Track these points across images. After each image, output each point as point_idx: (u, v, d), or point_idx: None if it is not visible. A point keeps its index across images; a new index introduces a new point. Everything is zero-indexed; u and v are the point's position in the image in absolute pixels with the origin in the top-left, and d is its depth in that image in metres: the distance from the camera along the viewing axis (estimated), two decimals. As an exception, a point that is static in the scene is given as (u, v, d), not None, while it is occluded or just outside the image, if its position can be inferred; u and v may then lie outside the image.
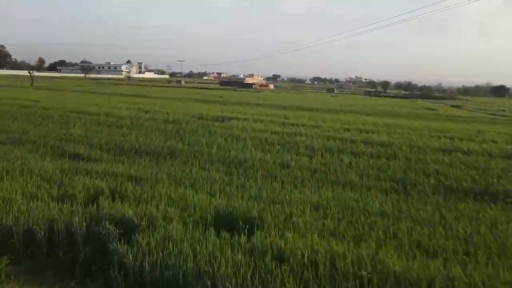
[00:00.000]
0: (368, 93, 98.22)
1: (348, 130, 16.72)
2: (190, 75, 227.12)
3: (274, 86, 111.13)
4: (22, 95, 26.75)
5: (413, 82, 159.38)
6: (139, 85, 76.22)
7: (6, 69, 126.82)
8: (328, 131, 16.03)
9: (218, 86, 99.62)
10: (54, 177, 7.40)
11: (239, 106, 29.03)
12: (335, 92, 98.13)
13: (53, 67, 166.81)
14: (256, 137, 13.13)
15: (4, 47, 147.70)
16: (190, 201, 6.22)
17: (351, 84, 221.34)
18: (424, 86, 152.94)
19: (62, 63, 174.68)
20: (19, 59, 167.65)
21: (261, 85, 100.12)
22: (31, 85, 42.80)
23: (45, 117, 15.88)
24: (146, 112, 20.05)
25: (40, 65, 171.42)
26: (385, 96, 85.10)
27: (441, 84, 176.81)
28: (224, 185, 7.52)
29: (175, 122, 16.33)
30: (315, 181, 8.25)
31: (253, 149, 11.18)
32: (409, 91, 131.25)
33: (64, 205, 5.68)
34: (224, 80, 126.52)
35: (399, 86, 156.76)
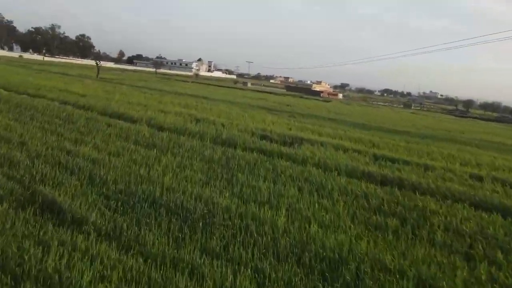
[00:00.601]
0: (451, 112, 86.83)
1: (482, 179, 10.92)
2: (257, 77, 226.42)
3: (343, 96, 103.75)
4: (74, 87, 24.63)
5: (504, 104, 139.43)
6: (204, 83, 74.71)
7: (90, 59, 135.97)
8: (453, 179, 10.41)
9: (284, 91, 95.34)
10: None
11: (309, 119, 24.09)
12: (412, 108, 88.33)
13: (130, 60, 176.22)
14: (348, 189, 8.12)
15: (89, 38, 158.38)
16: None
17: (425, 99, 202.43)
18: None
19: (139, 57, 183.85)
20: (102, 51, 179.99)
21: (329, 94, 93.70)
22: (97, 76, 41.98)
23: (67, 121, 12.45)
24: (197, 121, 16.06)
25: (120, 58, 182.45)
26: (473, 118, 73.76)
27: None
28: None
29: (228, 143, 11.95)
30: None
31: (350, 223, 6.24)
32: (497, 112, 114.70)
33: None
34: (291, 85, 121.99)
35: (484, 106, 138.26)
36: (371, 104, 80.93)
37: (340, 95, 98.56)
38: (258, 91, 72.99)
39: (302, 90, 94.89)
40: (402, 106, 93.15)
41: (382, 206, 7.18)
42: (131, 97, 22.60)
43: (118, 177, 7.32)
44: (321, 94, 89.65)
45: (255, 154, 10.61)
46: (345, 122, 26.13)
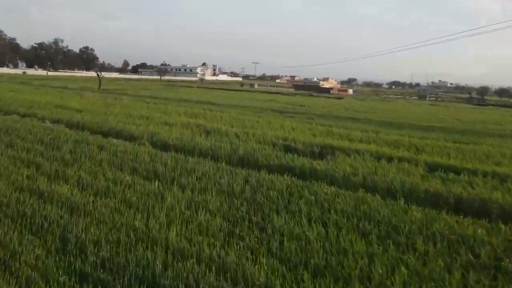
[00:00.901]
0: (468, 101, 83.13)
1: None
2: (263, 77, 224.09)
3: (353, 91, 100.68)
4: (71, 101, 22.58)
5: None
6: (209, 88, 72.65)
7: (94, 71, 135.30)
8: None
9: (292, 90, 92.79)
10: None
11: (329, 121, 21.64)
12: (428, 99, 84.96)
13: (135, 69, 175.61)
14: (431, 231, 5.65)
15: (93, 50, 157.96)
16: None
17: (436, 89, 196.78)
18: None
19: (143, 65, 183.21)
20: (106, 62, 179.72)
21: (339, 90, 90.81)
22: (99, 88, 40.11)
23: (51, 146, 10.24)
24: (207, 133, 13.79)
25: (124, 67, 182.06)
26: (493, 105, 70.09)
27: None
28: None
29: (248, 162, 9.65)
30: None
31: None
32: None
33: None
34: (298, 83, 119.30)
35: (499, 92, 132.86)
36: (384, 98, 77.88)
37: (350, 91, 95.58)
38: (266, 92, 70.68)
39: (311, 88, 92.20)
40: (416, 97, 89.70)
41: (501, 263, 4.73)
42: (133, 109, 20.43)
43: (103, 236, 5.03)
44: (331, 91, 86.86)
45: (285, 177, 8.22)
46: (369, 121, 23.62)
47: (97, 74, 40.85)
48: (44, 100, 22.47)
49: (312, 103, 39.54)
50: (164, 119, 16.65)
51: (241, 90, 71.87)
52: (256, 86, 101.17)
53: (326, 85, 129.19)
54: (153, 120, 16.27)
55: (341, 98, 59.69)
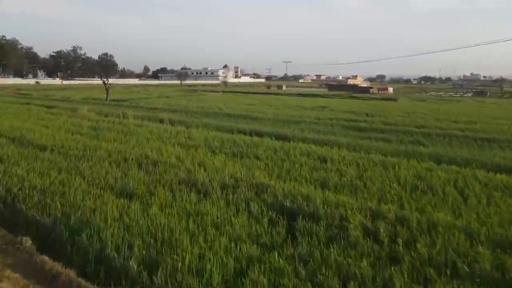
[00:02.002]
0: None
1: None
2: (285, 78, 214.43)
3: (393, 90, 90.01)
4: (38, 129, 14.45)
5: None
6: (235, 92, 64.47)
7: (115, 78, 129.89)
8: None
9: (323, 90, 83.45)
10: None
11: (465, 149, 12.71)
12: (488, 95, 73.66)
13: (155, 74, 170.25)
14: None
15: (112, 57, 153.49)
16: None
17: (464, 83, 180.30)
18: None
19: (163, 70, 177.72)
20: (126, 68, 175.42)
21: (379, 89, 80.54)
22: (106, 99, 32.45)
23: None
24: (257, 194, 5.33)
25: (145, 73, 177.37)
26: None
27: None
28: None
29: None
30: None
31: None
32: None
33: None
34: (331, 83, 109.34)
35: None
36: (439, 97, 67.33)
37: (391, 89, 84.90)
38: (299, 94, 61.79)
39: (347, 87, 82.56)
40: (471, 94, 78.30)
41: None
42: (131, 142, 12.10)
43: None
44: (371, 90, 76.94)
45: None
46: (497, 141, 14.53)
47: (103, 82, 33.09)
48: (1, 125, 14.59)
49: (374, 109, 30.30)
50: (197, 159, 8.29)
51: (270, 93, 63.30)
52: (284, 87, 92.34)
53: (354, 83, 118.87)
54: (167, 181, 7.84)
55: (394, 100, 49.95)
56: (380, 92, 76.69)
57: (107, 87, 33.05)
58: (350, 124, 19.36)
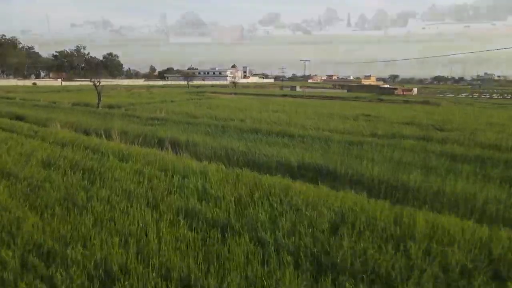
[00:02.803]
0: None
1: None
2: (293, 78, 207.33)
3: (417, 91, 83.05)
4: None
5: None
6: (248, 94, 58.41)
7: (120, 78, 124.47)
8: None
9: (341, 91, 77.03)
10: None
11: None
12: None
13: (161, 75, 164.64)
14: None
15: (117, 57, 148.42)
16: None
17: (479, 83, 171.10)
18: None
19: (170, 70, 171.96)
20: (131, 68, 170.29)
21: (403, 90, 73.80)
22: (97, 105, 26.55)
23: None
24: None
25: (151, 73, 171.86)
26: None
27: None
28: None
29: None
30: None
31: None
32: None
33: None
34: (349, 84, 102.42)
35: None
36: (474, 99, 60.62)
37: (415, 90, 78.10)
38: (320, 97, 55.57)
39: (370, 88, 75.95)
40: (502, 97, 71.36)
41: None
42: (87, 222, 6.01)
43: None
44: (395, 92, 70.35)
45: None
46: None
47: (94, 84, 27.06)
48: None
49: (431, 118, 23.89)
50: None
51: (286, 95, 57.17)
52: (298, 88, 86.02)
53: (367, 83, 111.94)
54: None
55: (436, 104, 43.26)
56: (404, 93, 70.09)
57: (98, 91, 27.07)
58: (434, 148, 12.97)
